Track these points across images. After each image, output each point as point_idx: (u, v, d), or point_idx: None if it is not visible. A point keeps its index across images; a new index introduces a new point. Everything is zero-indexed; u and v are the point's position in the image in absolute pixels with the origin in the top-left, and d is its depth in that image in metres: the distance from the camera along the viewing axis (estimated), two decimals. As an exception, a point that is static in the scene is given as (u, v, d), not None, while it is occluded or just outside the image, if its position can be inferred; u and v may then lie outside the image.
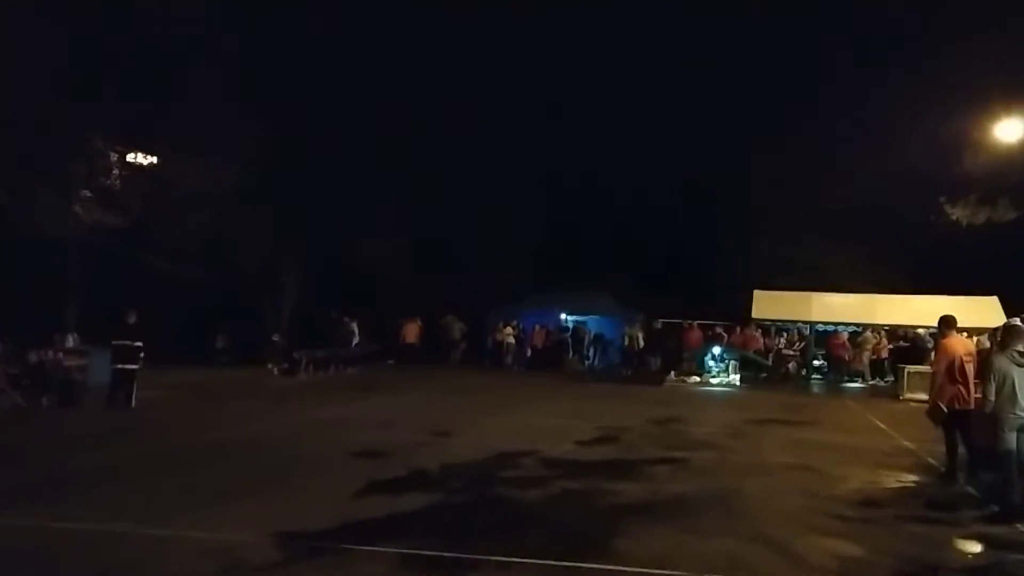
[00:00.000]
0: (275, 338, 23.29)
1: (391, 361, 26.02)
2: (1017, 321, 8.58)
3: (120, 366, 14.26)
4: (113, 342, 14.41)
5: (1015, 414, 7.72)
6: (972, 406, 9.19)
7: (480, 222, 29.87)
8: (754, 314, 25.43)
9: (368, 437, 11.41)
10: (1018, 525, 7.44)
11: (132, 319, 14.49)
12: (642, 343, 26.82)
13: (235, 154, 20.87)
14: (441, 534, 6.71)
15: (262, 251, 23.88)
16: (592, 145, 31.81)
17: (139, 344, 14.39)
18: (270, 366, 21.99)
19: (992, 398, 7.79)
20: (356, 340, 25.73)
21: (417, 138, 26.22)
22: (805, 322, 25.78)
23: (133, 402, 14.23)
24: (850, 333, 25.54)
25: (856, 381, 24.37)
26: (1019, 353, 7.78)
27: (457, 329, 27.96)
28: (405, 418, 13.74)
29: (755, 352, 25.07)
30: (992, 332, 8.79)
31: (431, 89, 26.45)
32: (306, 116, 23.02)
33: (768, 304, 25.72)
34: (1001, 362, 7.82)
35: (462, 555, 6.12)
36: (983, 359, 8.68)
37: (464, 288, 29.11)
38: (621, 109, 31.49)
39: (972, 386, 9.29)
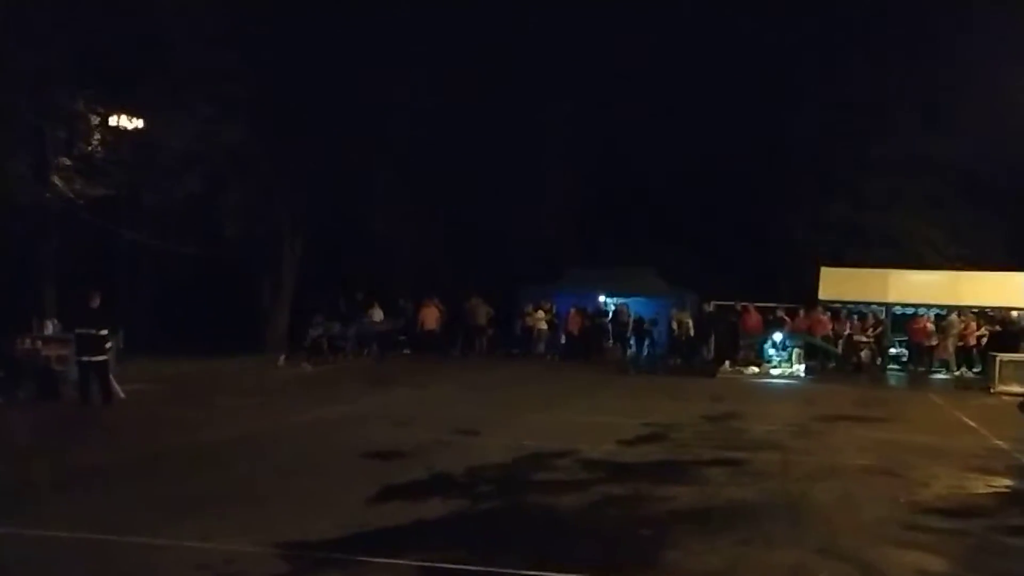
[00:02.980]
0: (318, 319, 23.42)
1: (407, 351, 26.15)
2: None
3: (85, 359, 14.00)
4: (76, 331, 14.31)
5: None
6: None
7: (508, 189, 29.69)
8: (821, 294, 25.25)
9: (383, 436, 11.48)
10: None
11: (95, 303, 14.22)
12: (693, 329, 26.69)
13: (229, 111, 21.00)
14: (466, 545, 6.74)
15: (258, 223, 24.00)
16: (636, 98, 31.49)
17: (104, 332, 14.14)
18: (282, 357, 22.13)
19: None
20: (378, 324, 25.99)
21: (435, 95, 26.10)
22: (881, 303, 25.56)
23: (113, 397, 14.25)
24: (934, 316, 25.26)
25: (940, 372, 24.16)
26: None
27: (483, 313, 27.92)
28: (425, 415, 13.80)
29: (822, 338, 24.86)
30: None
31: (452, 39, 26.32)
32: (307, 69, 23.01)
33: (838, 283, 25.52)
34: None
35: (490, 568, 6.14)
36: None
37: (490, 266, 29.05)
38: (672, 55, 31.14)
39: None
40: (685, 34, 31.04)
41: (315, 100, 23.19)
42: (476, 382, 19.22)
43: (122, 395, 14.40)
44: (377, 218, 26.67)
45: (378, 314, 26.54)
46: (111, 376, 14.39)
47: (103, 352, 14.18)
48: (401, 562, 6.22)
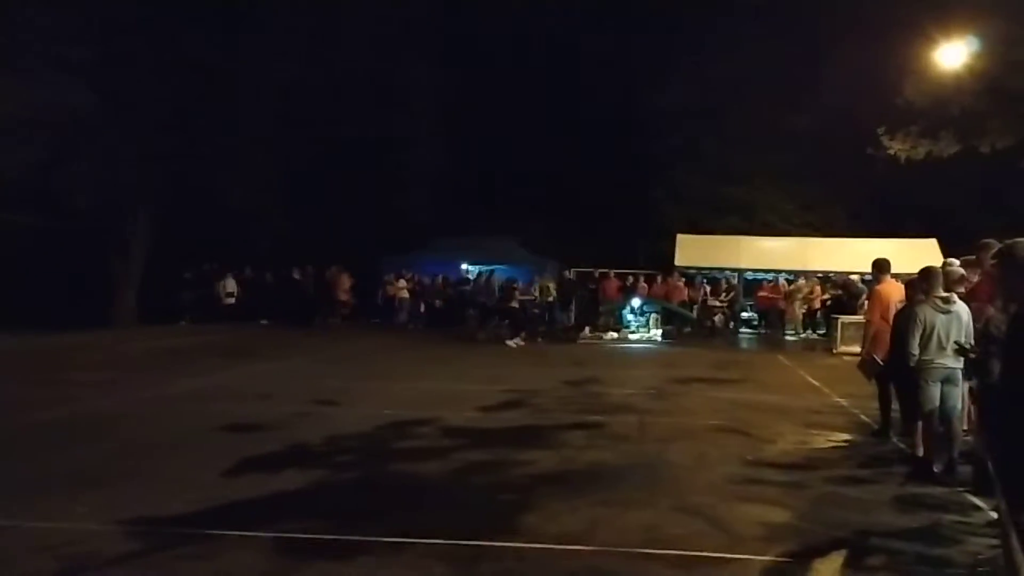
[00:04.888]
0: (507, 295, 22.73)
1: (265, 321, 25.62)
2: (955, 263, 8.95)
3: None
4: None
5: (940, 363, 8.06)
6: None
7: (370, 158, 29.38)
8: (677, 261, 26.00)
9: (240, 410, 11.23)
10: (958, 487, 7.83)
11: None
12: (554, 296, 27.05)
13: (73, 75, 20.00)
14: (325, 515, 6.69)
15: (105, 193, 22.96)
16: (500, 68, 31.61)
17: None
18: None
19: (915, 351, 8.09)
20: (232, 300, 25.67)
21: (292, 61, 25.45)
22: (733, 269, 26.50)
23: None
24: (783, 281, 26.33)
25: (790, 334, 25.24)
26: (942, 300, 8.10)
27: (344, 283, 27.63)
28: (283, 387, 13.57)
29: (679, 304, 25.63)
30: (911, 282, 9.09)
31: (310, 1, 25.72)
32: (155, 34, 22.06)
33: (693, 250, 26.31)
34: (924, 311, 8.12)
35: (350, 537, 6.11)
36: (901, 309, 9.09)
37: (351, 235, 28.74)
38: (537, 28, 31.38)
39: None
40: (549, 9, 31.33)
41: (165, 65, 22.29)
42: (337, 353, 19.01)
43: None
44: (232, 187, 25.91)
45: (231, 284, 26.08)
46: None
47: None
48: (257, 534, 6.12)
